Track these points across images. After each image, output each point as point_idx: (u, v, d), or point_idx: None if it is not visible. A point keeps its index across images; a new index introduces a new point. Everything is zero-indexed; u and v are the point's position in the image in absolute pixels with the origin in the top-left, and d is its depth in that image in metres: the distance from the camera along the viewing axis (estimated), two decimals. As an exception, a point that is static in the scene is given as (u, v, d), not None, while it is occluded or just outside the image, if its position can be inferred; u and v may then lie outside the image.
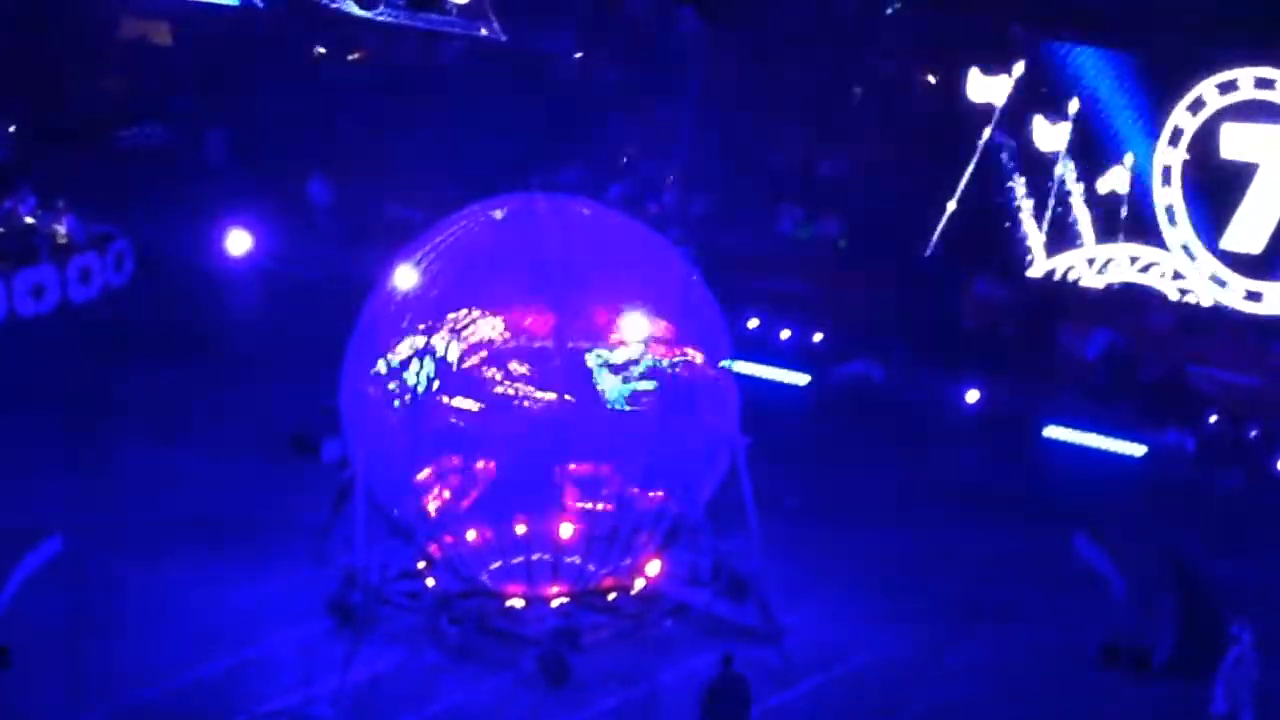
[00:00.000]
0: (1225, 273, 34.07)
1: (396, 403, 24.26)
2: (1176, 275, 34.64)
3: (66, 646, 23.77)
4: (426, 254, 24.73)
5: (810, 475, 29.69)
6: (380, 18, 44.14)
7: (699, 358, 24.77)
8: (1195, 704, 23.12)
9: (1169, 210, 34.55)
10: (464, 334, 24.22)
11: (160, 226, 38.29)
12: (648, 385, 24.31)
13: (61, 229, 36.69)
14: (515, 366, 24.17)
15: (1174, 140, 34.44)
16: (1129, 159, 35.07)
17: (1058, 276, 35.99)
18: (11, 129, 42.17)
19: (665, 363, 24.50)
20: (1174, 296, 34.76)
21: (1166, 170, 34.54)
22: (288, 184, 40.35)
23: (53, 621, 24.36)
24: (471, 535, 24.51)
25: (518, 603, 24.80)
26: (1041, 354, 34.73)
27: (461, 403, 24.14)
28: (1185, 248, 34.37)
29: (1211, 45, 33.97)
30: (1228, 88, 33.84)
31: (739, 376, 25.87)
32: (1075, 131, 35.67)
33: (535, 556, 24.52)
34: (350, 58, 44.47)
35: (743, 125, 39.21)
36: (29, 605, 24.82)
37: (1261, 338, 33.62)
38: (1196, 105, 34.13)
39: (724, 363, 25.20)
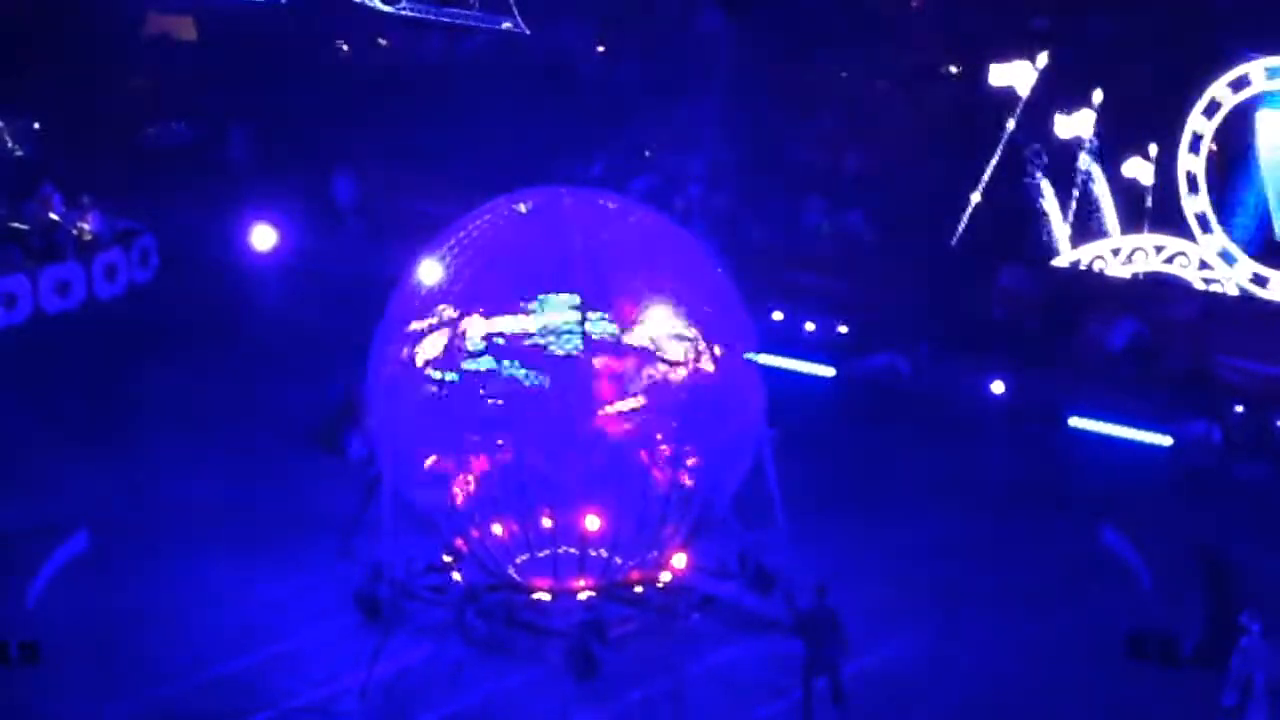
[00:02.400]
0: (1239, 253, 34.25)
1: (425, 390, 24.24)
2: (1203, 265, 34.61)
3: (95, 641, 23.87)
4: (451, 248, 24.73)
5: (836, 467, 29.68)
6: (404, 13, 44.21)
7: (724, 351, 24.74)
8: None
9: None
10: (489, 326, 24.24)
11: (185, 223, 38.34)
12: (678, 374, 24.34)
13: (87, 226, 36.77)
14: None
15: (1198, 131, 34.43)
16: (1153, 149, 35.00)
17: (1083, 267, 35.94)
18: (36, 126, 42.24)
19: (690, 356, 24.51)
20: (1199, 286, 34.71)
21: (1193, 152, 34.57)
22: (312, 180, 40.38)
23: (81, 616, 24.45)
24: (498, 529, 24.53)
25: (545, 596, 24.83)
26: (1067, 344, 34.68)
27: (486, 394, 24.15)
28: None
29: (1234, 36, 33.94)
30: (1240, 84, 33.93)
31: (764, 369, 25.84)
32: (1099, 121, 35.60)
33: (562, 550, 24.57)
34: (380, 42, 44.56)
35: (767, 118, 39.18)
36: (58, 600, 24.91)
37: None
38: (1234, 86, 34.14)
39: (749, 355, 25.17)
